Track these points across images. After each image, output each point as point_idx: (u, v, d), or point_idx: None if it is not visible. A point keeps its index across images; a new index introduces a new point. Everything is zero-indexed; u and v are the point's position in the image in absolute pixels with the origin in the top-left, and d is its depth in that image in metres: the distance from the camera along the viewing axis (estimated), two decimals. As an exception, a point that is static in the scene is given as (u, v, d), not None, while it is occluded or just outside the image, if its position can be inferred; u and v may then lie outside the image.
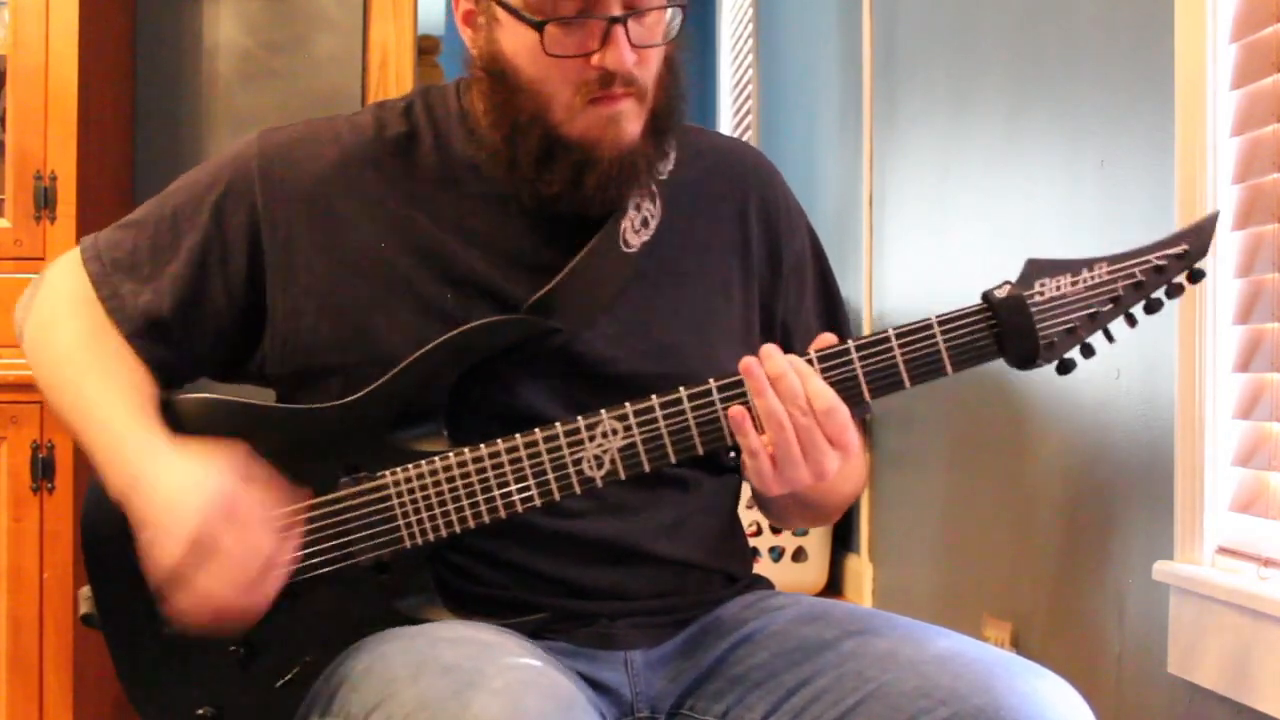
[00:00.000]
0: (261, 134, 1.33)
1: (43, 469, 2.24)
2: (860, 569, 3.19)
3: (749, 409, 1.15)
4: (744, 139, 4.70)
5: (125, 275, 1.30)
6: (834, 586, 3.42)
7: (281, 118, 2.12)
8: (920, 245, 2.74)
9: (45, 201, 2.26)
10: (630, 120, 1.22)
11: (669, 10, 1.23)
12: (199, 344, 1.31)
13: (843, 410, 1.14)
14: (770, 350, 1.15)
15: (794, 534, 3.35)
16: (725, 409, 1.17)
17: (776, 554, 3.36)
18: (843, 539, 3.41)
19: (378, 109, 1.36)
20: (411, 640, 1.16)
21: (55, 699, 2.25)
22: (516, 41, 1.21)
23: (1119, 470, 1.78)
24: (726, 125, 5.32)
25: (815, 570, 3.38)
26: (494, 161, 1.27)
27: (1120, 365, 1.77)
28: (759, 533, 3.30)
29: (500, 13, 1.21)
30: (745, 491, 1.43)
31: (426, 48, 3.01)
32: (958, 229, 2.47)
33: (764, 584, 1.39)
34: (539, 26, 1.18)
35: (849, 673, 1.17)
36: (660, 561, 1.29)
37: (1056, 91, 2.02)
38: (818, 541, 3.37)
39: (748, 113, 4.72)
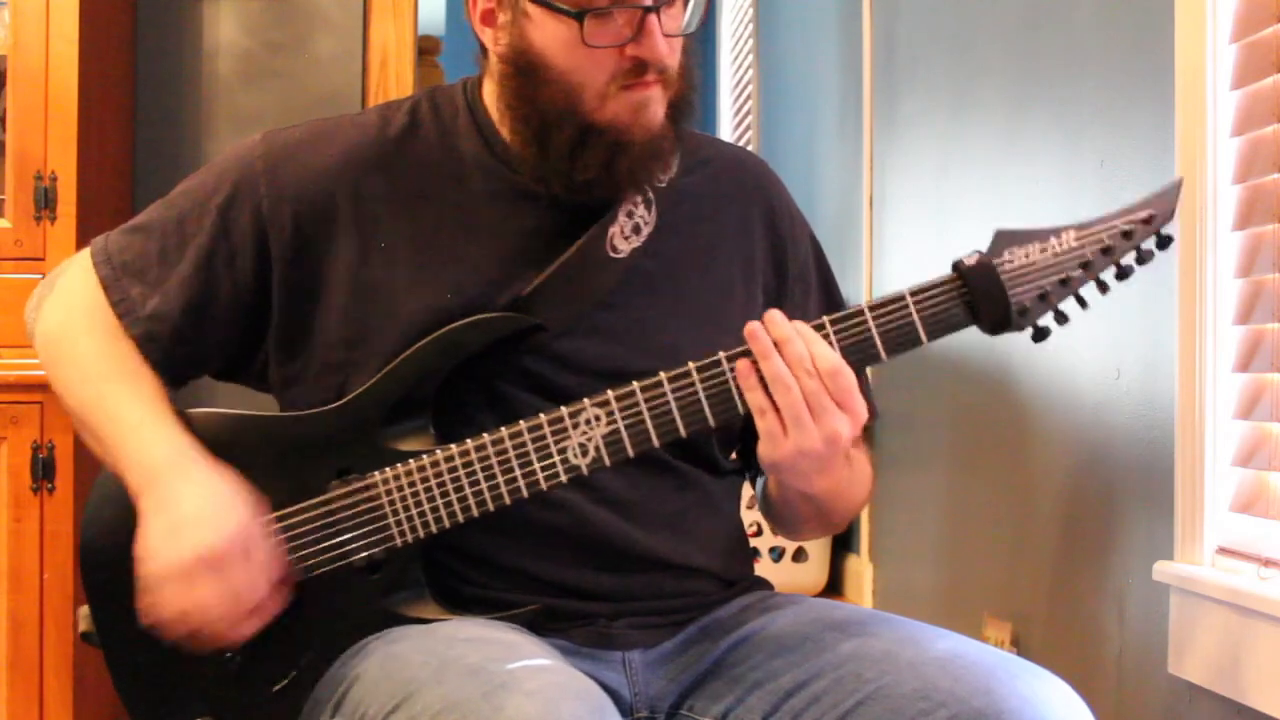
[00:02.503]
0: (265, 135, 1.34)
1: (43, 469, 2.24)
2: (860, 569, 3.18)
3: (756, 369, 1.16)
4: (744, 140, 4.70)
5: (134, 279, 1.31)
6: (834, 586, 3.42)
7: (282, 118, 2.13)
8: (920, 245, 2.73)
9: (45, 201, 2.26)
10: (657, 104, 1.25)
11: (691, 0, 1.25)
12: (206, 344, 1.32)
13: (848, 372, 1.16)
14: (775, 315, 1.17)
15: (796, 541, 3.34)
16: (707, 390, 1.18)
17: (776, 554, 3.36)
18: (843, 539, 3.41)
19: (383, 108, 1.36)
20: (424, 640, 1.17)
21: (55, 699, 2.25)
22: (548, 35, 1.22)
23: (1119, 470, 1.78)
24: (726, 125, 5.32)
25: (815, 570, 3.38)
26: (523, 155, 1.28)
27: (1120, 365, 1.77)
28: (759, 533, 3.29)
29: (530, 8, 1.23)
30: (746, 492, 1.43)
31: (426, 48, 3.01)
32: (958, 229, 2.47)
33: (763, 585, 1.39)
34: (579, 17, 1.19)
35: (848, 674, 1.17)
36: (659, 564, 1.29)
37: (1056, 91, 2.02)
38: (818, 542, 3.37)
39: (748, 113, 4.72)
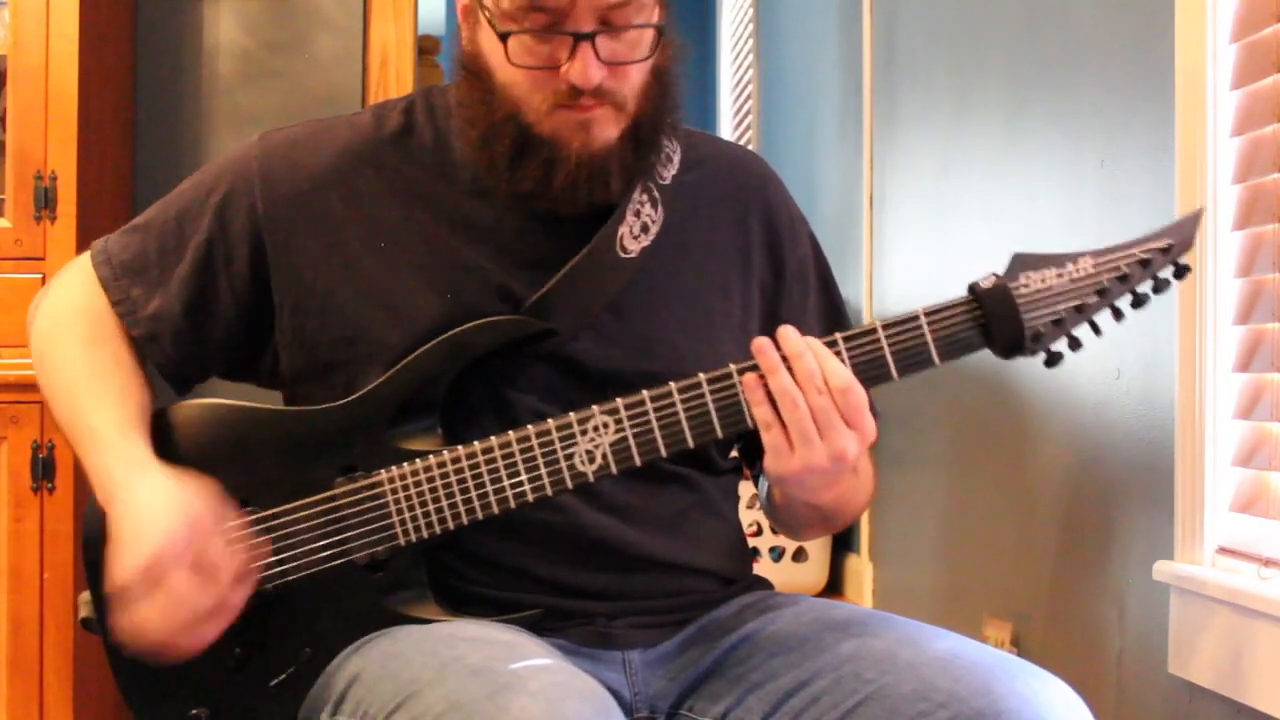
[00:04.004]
0: (263, 135, 1.34)
1: (43, 469, 2.24)
2: (860, 569, 3.18)
3: (764, 384, 1.15)
4: (744, 140, 4.70)
5: (134, 279, 1.32)
6: (834, 586, 3.42)
7: (281, 118, 2.13)
8: (920, 245, 2.73)
9: (45, 201, 2.26)
10: (603, 125, 1.22)
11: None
12: (209, 344, 1.32)
13: (859, 390, 1.14)
14: (787, 330, 1.16)
15: (797, 541, 3.34)
16: (717, 402, 1.17)
17: (776, 554, 3.36)
18: (843, 539, 3.41)
19: (378, 108, 1.37)
20: (426, 640, 1.17)
21: (55, 699, 2.25)
22: (491, 45, 1.23)
23: (1119, 470, 1.78)
24: (726, 125, 5.32)
25: (815, 570, 3.38)
26: (474, 158, 1.27)
27: (1120, 365, 1.77)
28: (759, 533, 3.29)
29: (481, 16, 1.23)
30: (745, 492, 1.43)
31: (426, 48, 3.01)
32: (958, 229, 2.47)
33: (763, 585, 1.39)
34: (503, 38, 1.19)
35: (848, 675, 1.17)
36: (658, 564, 1.29)
37: (1056, 91, 2.02)
38: (818, 542, 3.37)
39: (748, 113, 4.72)
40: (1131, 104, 1.76)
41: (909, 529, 2.87)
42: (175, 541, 1.16)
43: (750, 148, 4.41)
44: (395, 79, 2.65)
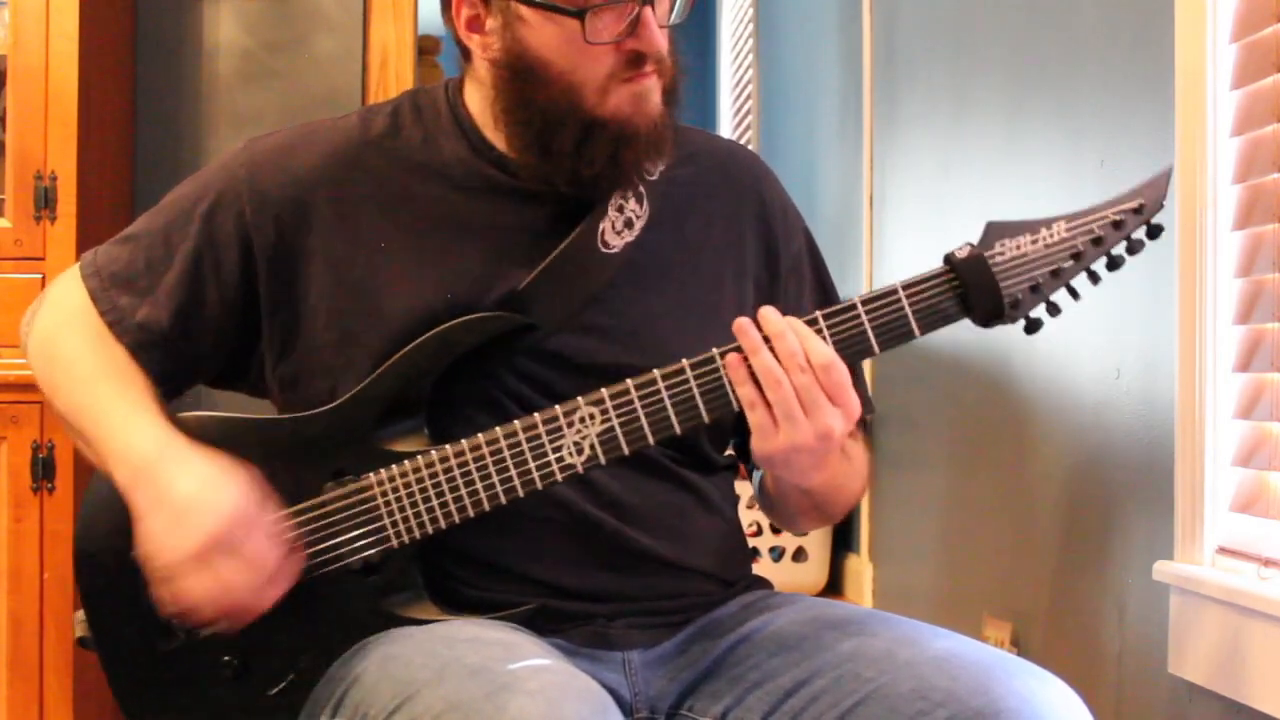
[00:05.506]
0: (248, 142, 1.35)
1: (43, 469, 2.24)
2: (860, 569, 3.18)
3: (747, 364, 1.15)
4: (744, 139, 4.70)
5: (123, 289, 1.32)
6: (834, 586, 3.42)
7: (281, 118, 2.13)
8: (920, 245, 2.73)
9: (45, 201, 2.26)
10: (656, 93, 1.26)
11: None
12: (197, 352, 1.32)
13: (841, 367, 1.15)
14: (768, 311, 1.17)
15: (794, 533, 3.35)
16: (701, 386, 1.18)
17: (776, 554, 3.36)
18: (843, 539, 3.41)
19: (364, 111, 1.37)
20: (424, 641, 1.17)
21: (55, 699, 2.25)
22: (545, 36, 1.23)
23: (1119, 470, 1.78)
24: (726, 125, 5.32)
25: (815, 570, 3.38)
26: (523, 159, 1.28)
27: (1120, 365, 1.77)
28: (759, 533, 3.29)
29: (525, 11, 1.23)
30: (745, 492, 1.43)
31: (426, 48, 3.01)
32: (958, 229, 2.46)
33: (763, 584, 1.39)
34: (580, 15, 1.20)
35: (847, 674, 1.17)
36: (657, 564, 1.29)
37: (1056, 91, 2.02)
38: (818, 541, 3.37)
39: (748, 113, 4.72)
40: (1131, 104, 1.76)
41: (909, 529, 2.87)
42: (240, 512, 1.19)
43: (750, 147, 4.42)
44: (395, 79, 2.64)
